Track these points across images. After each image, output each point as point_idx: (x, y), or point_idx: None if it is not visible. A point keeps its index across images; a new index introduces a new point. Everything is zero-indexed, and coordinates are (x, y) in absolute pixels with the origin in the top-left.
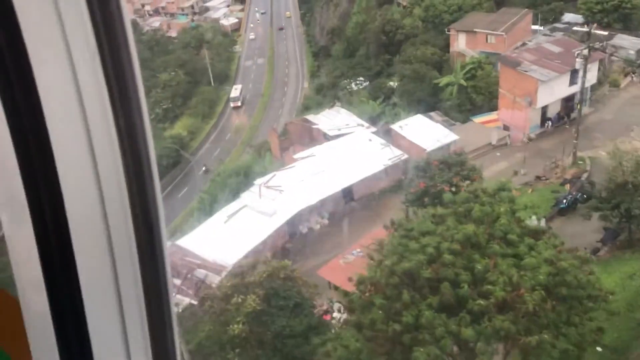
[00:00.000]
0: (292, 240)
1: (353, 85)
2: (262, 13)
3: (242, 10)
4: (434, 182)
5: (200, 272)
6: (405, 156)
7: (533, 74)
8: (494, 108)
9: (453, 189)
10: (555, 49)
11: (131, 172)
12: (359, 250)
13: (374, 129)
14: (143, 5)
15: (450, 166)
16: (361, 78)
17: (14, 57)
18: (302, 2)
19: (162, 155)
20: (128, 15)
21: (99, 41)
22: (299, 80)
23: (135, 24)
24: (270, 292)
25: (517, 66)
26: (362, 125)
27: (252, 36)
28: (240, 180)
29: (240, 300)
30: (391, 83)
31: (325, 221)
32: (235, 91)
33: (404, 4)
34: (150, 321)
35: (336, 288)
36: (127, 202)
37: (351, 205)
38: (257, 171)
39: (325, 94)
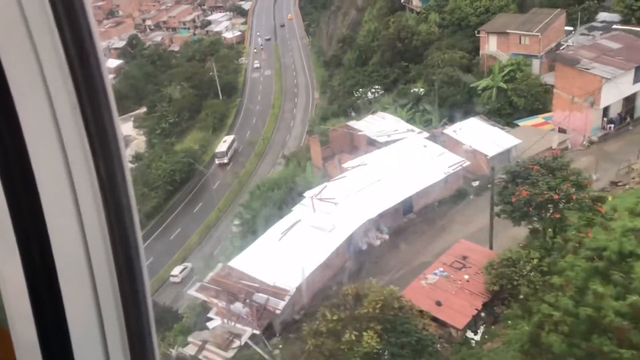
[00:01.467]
0: (352, 258)
1: (369, 93)
2: (266, 39)
3: (245, 23)
4: (539, 190)
5: (260, 297)
6: (467, 163)
7: (596, 72)
8: (536, 111)
9: (557, 196)
10: (614, 45)
11: (111, 208)
12: (441, 269)
13: (426, 134)
14: (144, 20)
15: (553, 170)
16: (377, 86)
17: (2, 109)
18: (305, 14)
19: (175, 170)
20: (105, 63)
21: (77, 88)
22: (308, 91)
23: (136, 39)
24: (387, 327)
25: (577, 64)
26: (413, 131)
27: (256, 64)
28: (282, 193)
29: (354, 337)
30: (415, 89)
31: (386, 236)
32: (224, 144)
33: (418, 10)
34: (132, 352)
35: (421, 312)
36: (107, 236)
37: (410, 217)
38: (299, 183)
39: (340, 104)
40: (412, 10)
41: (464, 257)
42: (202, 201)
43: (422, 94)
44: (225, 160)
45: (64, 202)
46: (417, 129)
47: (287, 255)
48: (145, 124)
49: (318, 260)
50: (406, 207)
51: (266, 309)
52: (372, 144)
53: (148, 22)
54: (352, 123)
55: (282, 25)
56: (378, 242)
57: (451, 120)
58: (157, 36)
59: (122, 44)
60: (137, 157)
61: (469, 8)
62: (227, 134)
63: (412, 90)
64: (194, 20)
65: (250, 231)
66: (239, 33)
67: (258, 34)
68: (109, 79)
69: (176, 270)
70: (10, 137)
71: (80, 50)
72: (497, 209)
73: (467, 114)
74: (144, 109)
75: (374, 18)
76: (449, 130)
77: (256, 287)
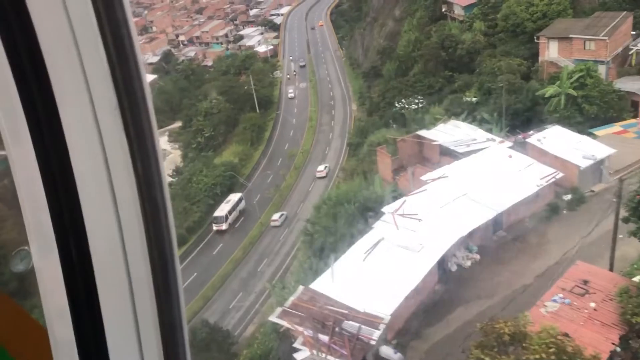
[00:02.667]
0: (441, 281)
1: (413, 104)
2: (301, 66)
3: (277, 37)
4: None
5: (351, 325)
6: (560, 175)
7: None
8: (610, 119)
9: None
10: None
11: (148, 210)
12: (561, 295)
13: (509, 144)
14: (177, 36)
15: None
16: (419, 96)
17: (45, 111)
18: (337, 27)
19: (216, 184)
20: (145, 73)
21: (119, 97)
22: (345, 103)
23: (170, 54)
24: None
25: None
26: (494, 140)
27: (290, 94)
28: (352, 208)
29: None
30: (468, 98)
31: (476, 256)
32: (225, 206)
33: (460, 19)
34: (165, 350)
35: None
36: (144, 236)
37: (500, 235)
38: (368, 197)
39: (381, 115)
40: (454, 19)
41: (585, 282)
42: (244, 215)
43: (475, 102)
44: (224, 227)
45: (102, 203)
46: (497, 138)
47: (374, 278)
48: (181, 138)
49: (410, 283)
50: (496, 223)
51: (359, 338)
52: (448, 154)
53: (181, 38)
54: (423, 132)
55: (312, 28)
56: (468, 263)
57: (515, 129)
58: (191, 51)
59: (156, 59)
60: (177, 171)
61: (525, 13)
62: (266, 147)
63: (464, 99)
64: (226, 35)
65: (315, 249)
66: (271, 47)
67: (291, 58)
68: (147, 81)
69: (276, 216)
70: (51, 139)
71: (120, 51)
72: (630, 226)
73: (531, 123)
74: (178, 124)
75: (414, 28)
76: (533, 138)
77: (345, 314)
